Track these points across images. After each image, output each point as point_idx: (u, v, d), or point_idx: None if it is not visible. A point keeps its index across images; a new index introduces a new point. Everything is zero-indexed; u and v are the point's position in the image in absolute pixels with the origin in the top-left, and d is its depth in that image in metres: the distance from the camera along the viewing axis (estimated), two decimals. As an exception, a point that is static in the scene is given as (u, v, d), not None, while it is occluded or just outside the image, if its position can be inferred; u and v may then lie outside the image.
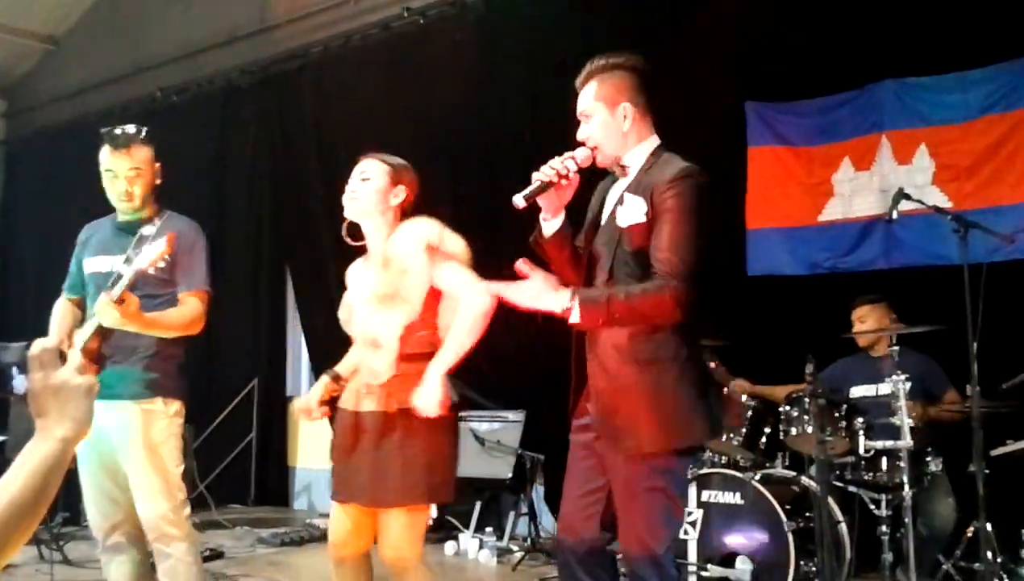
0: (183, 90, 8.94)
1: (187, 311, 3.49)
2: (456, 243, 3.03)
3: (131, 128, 3.54)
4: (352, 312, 3.13)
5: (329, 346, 8.09)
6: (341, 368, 3.22)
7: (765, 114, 5.88)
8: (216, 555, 5.72)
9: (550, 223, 2.77)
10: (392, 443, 2.90)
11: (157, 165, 3.61)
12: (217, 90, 8.84)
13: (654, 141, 2.75)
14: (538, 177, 2.67)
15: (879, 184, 5.45)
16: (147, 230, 3.27)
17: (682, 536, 4.20)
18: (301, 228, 8.31)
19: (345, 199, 3.08)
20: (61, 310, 3.71)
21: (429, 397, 2.83)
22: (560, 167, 2.66)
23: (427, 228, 3.00)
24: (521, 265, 2.56)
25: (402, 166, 3.15)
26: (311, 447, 8.46)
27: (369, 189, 3.05)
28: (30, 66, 10.48)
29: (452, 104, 7.13)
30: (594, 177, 2.89)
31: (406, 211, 3.10)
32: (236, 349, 8.42)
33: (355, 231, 3.14)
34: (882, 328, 4.80)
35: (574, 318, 2.51)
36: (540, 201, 2.71)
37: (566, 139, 2.82)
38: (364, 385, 3.01)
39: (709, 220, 2.60)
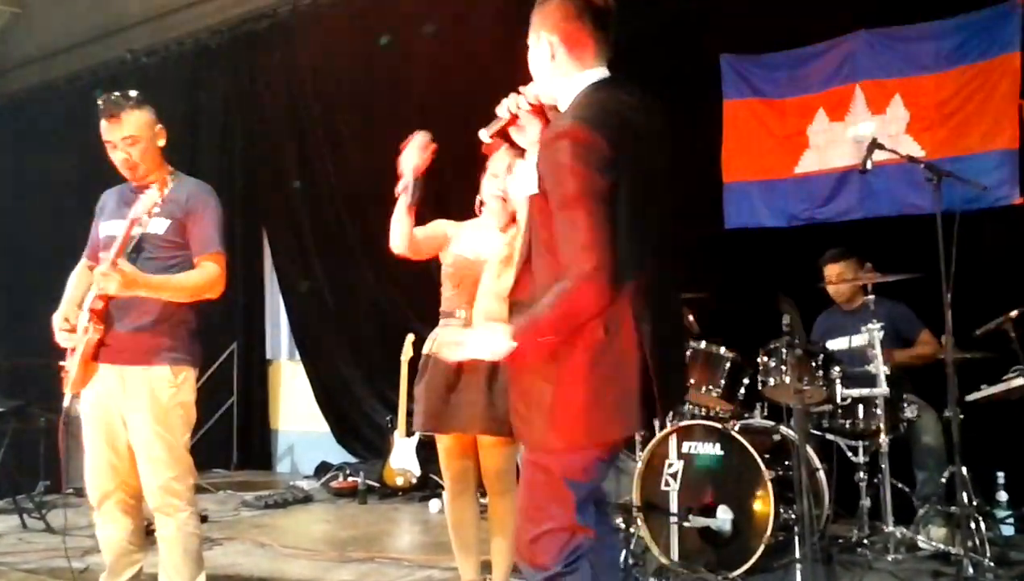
0: (152, 52, 8.81)
1: (203, 274, 3.39)
2: None
3: (121, 94, 3.41)
4: (468, 266, 3.58)
5: (307, 306, 8.13)
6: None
7: (740, 67, 5.87)
8: (200, 519, 5.69)
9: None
10: (501, 384, 3.30)
11: (158, 127, 3.49)
12: (187, 51, 8.71)
13: (588, 76, 2.34)
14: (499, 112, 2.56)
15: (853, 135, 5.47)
16: (153, 190, 3.16)
17: (663, 488, 4.24)
18: (275, 189, 8.25)
19: (494, 191, 3.61)
20: (77, 275, 3.61)
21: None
22: (512, 104, 2.50)
23: None
24: None
25: None
26: (293, 410, 8.47)
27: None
28: (-3, 31, 10.29)
29: (424, 61, 7.07)
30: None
31: None
32: (214, 313, 8.35)
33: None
34: (854, 278, 4.83)
35: (524, 348, 2.19)
36: (515, 137, 2.56)
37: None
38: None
39: (610, 176, 2.13)
